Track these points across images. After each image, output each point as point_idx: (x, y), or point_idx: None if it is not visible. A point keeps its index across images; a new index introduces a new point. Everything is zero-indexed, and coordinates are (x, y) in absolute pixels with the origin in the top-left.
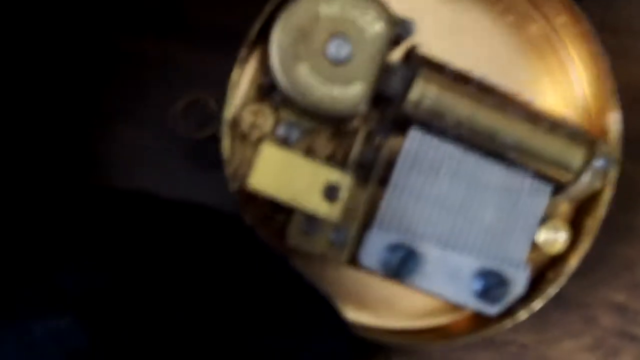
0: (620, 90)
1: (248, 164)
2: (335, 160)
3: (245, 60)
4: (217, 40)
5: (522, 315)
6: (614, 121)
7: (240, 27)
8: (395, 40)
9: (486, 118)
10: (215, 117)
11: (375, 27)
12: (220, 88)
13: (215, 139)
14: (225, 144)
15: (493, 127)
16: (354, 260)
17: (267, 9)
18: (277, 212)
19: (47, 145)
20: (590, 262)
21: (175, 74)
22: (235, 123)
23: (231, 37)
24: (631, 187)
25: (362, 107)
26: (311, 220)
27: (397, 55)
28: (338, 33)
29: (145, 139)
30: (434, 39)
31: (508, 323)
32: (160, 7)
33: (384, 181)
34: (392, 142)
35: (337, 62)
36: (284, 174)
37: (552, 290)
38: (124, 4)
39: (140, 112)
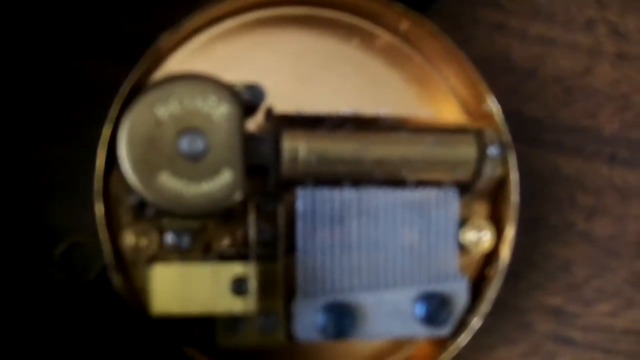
0: (552, 82)
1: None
2: (237, 245)
3: (106, 187)
4: None
5: (476, 323)
6: (492, 106)
7: None
8: (250, 109)
9: (367, 150)
10: (98, 253)
11: (221, 109)
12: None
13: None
14: (116, 279)
15: (378, 156)
16: (292, 336)
17: (106, 131)
18: (198, 322)
19: None
20: (524, 265)
21: None
22: (118, 251)
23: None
24: (565, 183)
25: (239, 194)
26: (234, 318)
27: (259, 121)
28: (186, 129)
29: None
30: (288, 91)
31: (465, 337)
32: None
33: (292, 248)
34: (286, 204)
35: (196, 158)
36: (185, 288)
37: (493, 292)
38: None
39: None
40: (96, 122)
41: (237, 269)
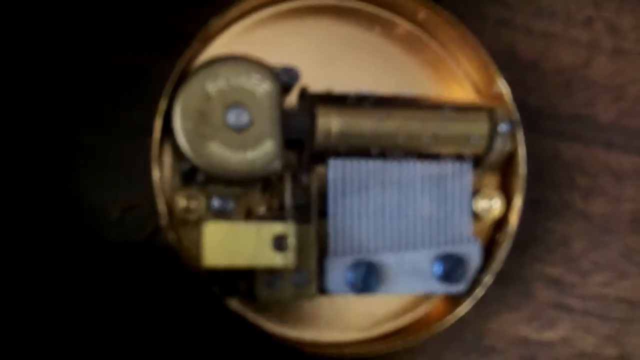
0: (554, 74)
1: (197, 244)
2: (274, 211)
3: (160, 156)
4: None
5: (488, 280)
6: (502, 87)
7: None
8: (286, 88)
9: (391, 125)
10: (151, 215)
11: (264, 86)
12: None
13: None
14: (171, 236)
15: (400, 131)
16: (323, 290)
17: (162, 105)
18: (240, 278)
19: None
20: (528, 239)
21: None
22: (171, 213)
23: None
24: (565, 167)
25: (278, 163)
26: (272, 273)
27: (292, 100)
28: (232, 103)
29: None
30: (317, 72)
31: (480, 292)
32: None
33: (324, 213)
34: (318, 174)
35: (242, 129)
36: (232, 243)
37: (502, 253)
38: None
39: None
40: (126, 107)
41: (277, 227)
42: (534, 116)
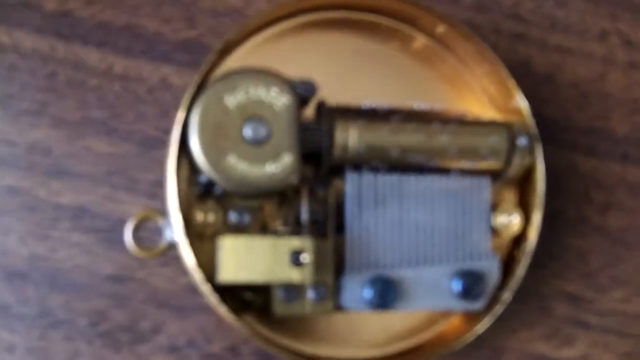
0: (569, 88)
1: (213, 258)
2: (290, 224)
3: (177, 169)
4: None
5: (507, 297)
6: (520, 102)
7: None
8: (303, 101)
9: (410, 139)
10: (167, 228)
11: (282, 99)
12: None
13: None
14: (187, 252)
15: (418, 145)
16: (340, 306)
17: (180, 116)
18: (256, 293)
19: None
20: (544, 255)
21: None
22: (187, 226)
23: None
24: (581, 180)
25: (295, 177)
26: (289, 288)
27: (310, 112)
28: (251, 116)
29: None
30: (332, 86)
31: (499, 309)
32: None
33: (341, 227)
34: (335, 188)
35: (259, 142)
36: (248, 258)
37: (522, 270)
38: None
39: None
40: (146, 117)
41: (294, 242)
42: (549, 129)
